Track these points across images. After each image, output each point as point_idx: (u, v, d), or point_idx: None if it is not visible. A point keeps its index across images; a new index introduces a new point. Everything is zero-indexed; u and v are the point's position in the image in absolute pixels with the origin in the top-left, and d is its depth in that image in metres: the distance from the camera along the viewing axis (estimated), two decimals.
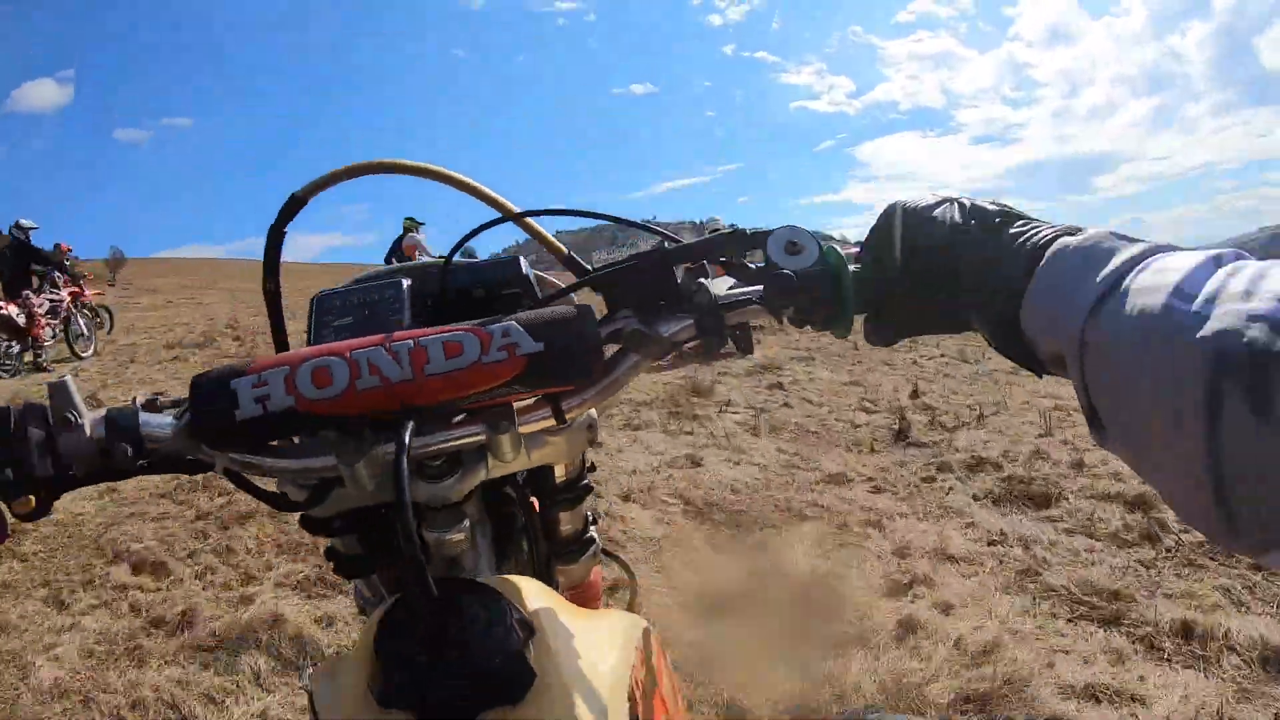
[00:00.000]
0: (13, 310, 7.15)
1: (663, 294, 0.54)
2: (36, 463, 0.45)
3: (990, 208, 0.47)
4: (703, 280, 0.54)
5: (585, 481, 0.71)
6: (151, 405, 0.52)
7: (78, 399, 0.47)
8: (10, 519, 0.46)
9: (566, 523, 0.73)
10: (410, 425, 0.46)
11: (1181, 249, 0.36)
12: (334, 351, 0.48)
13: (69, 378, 0.48)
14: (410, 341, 0.48)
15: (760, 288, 0.52)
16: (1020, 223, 0.45)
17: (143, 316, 11.53)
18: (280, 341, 0.63)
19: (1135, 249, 0.38)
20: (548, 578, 0.73)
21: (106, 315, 9.81)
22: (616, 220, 0.68)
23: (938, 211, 0.48)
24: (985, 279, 0.44)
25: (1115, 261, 0.37)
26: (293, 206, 0.59)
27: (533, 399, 0.52)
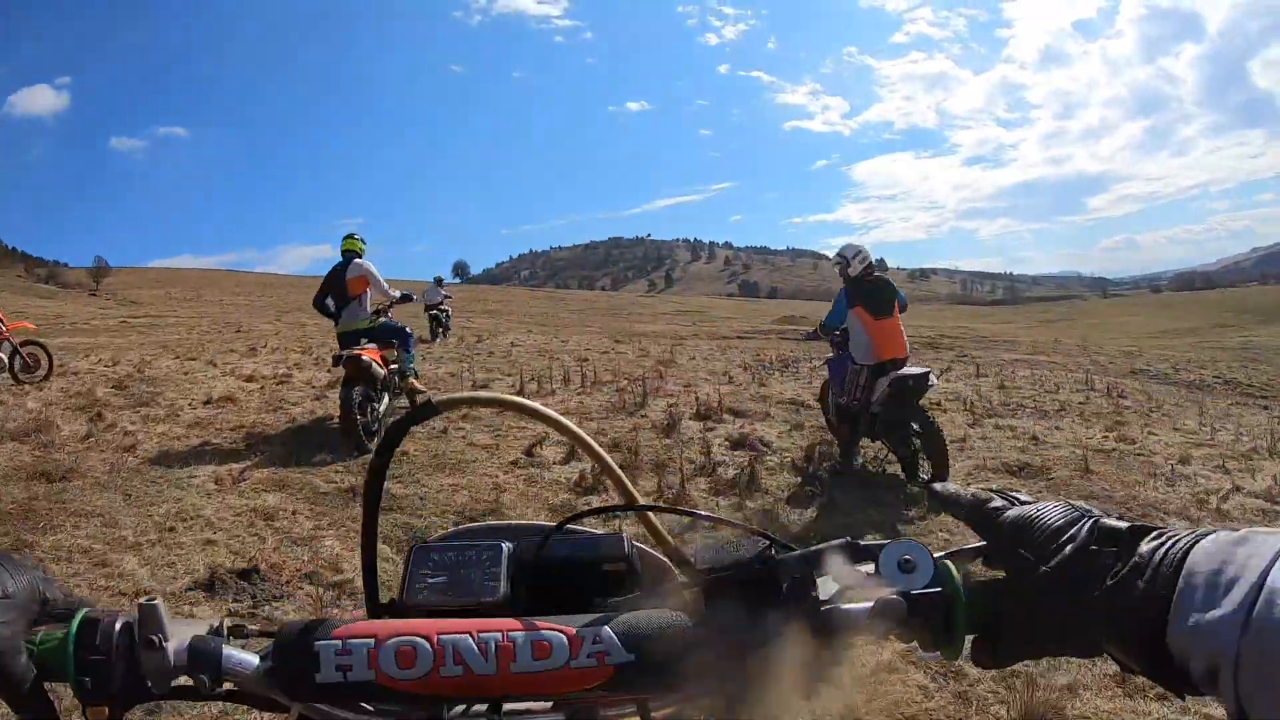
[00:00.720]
0: None
1: (765, 597, 0.51)
2: (115, 676, 0.46)
3: (1120, 524, 0.45)
4: (812, 591, 0.51)
5: None
6: (238, 630, 0.53)
7: (166, 621, 0.47)
8: None
9: None
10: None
11: None
12: (422, 633, 0.48)
13: (160, 601, 0.48)
14: (499, 634, 0.48)
15: (868, 606, 0.49)
16: (1154, 536, 0.43)
17: (99, 344, 11.07)
18: (371, 591, 0.63)
19: (1273, 543, 0.37)
20: None
21: (42, 354, 8.29)
22: (730, 524, 0.64)
23: (1068, 534, 0.45)
24: (1122, 601, 0.42)
25: (1258, 560, 0.36)
26: (426, 412, 0.60)
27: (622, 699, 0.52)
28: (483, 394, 0.64)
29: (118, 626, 0.47)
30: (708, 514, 0.67)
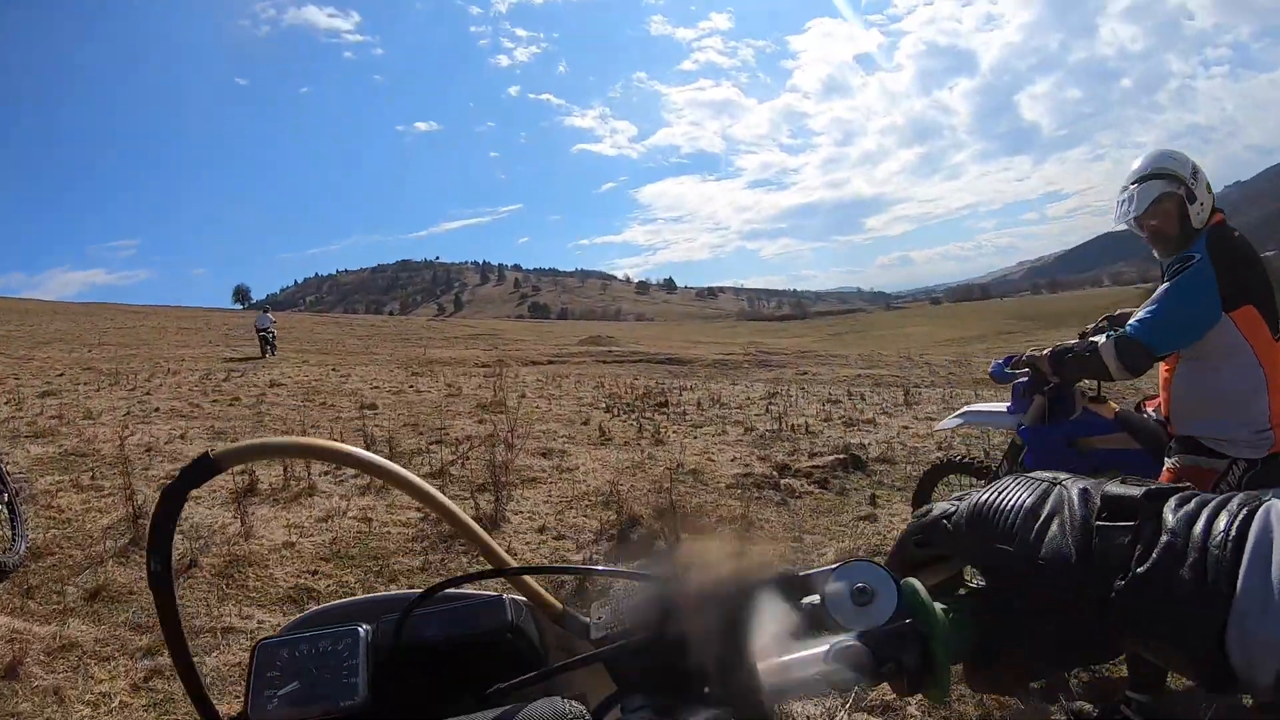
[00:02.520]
0: None
1: (688, 667, 0.40)
2: None
3: (1127, 491, 0.37)
4: (743, 644, 0.40)
5: None
6: None
7: None
8: None
9: None
10: None
11: None
12: None
13: None
14: None
15: (819, 653, 0.39)
16: (1179, 500, 0.35)
17: None
18: (206, 713, 0.47)
19: None
20: None
21: None
22: (628, 575, 0.49)
23: (1046, 509, 0.37)
24: (1155, 593, 0.33)
25: None
26: (205, 472, 0.45)
27: None
28: (273, 440, 0.46)
29: None
30: (597, 567, 0.53)
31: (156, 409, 8.71)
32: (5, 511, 3.67)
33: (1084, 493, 0.37)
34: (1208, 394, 2.15)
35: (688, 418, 8.25)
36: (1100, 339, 2.26)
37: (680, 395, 10.32)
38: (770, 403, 9.42)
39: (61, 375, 11.84)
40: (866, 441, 6.42)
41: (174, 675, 2.43)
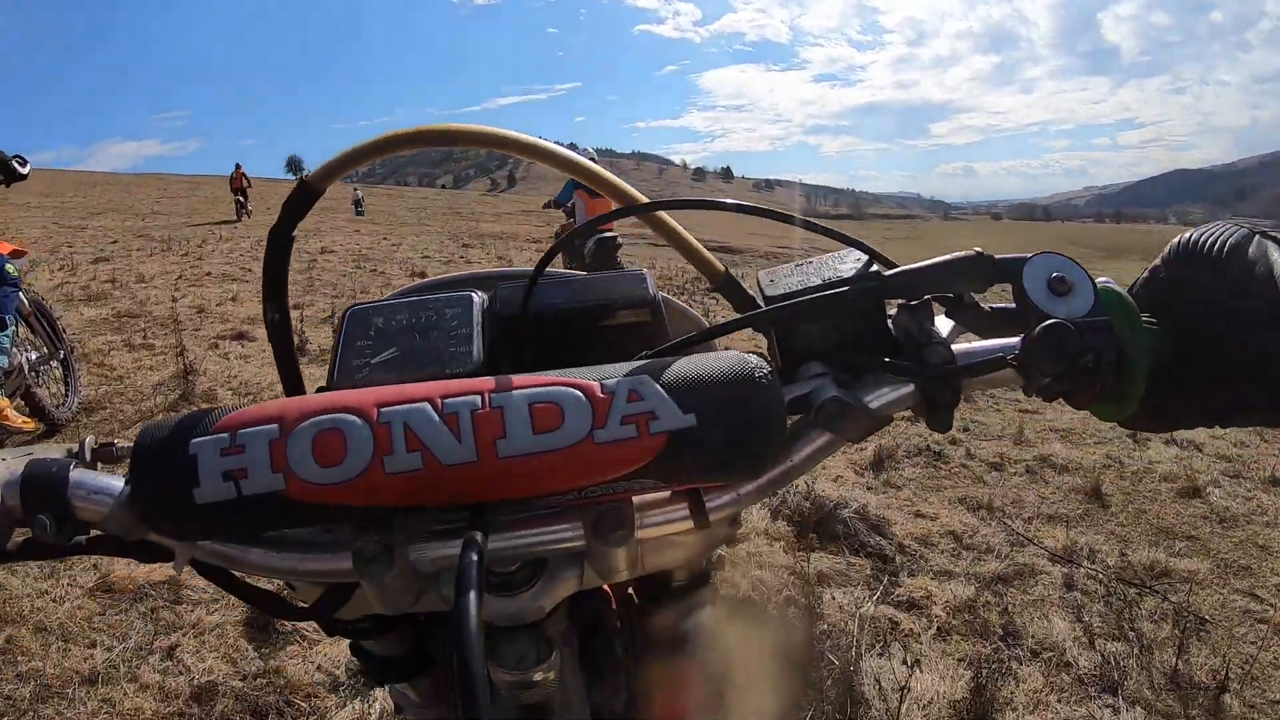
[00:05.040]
0: None
1: (869, 340, 0.39)
2: None
3: None
4: (930, 326, 0.39)
5: (711, 581, 0.51)
6: (106, 452, 0.39)
7: None
8: None
9: (680, 621, 0.51)
10: (479, 542, 0.31)
11: None
12: (352, 408, 0.32)
13: None
14: (476, 397, 0.32)
15: (1016, 341, 0.37)
16: None
17: None
18: (292, 380, 0.46)
19: None
20: (635, 689, 0.52)
21: None
22: (772, 215, 0.48)
23: (1253, 252, 0.36)
24: None
25: None
26: (305, 199, 0.42)
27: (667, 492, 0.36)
28: (363, 144, 0.41)
29: None
30: (767, 209, 0.47)
31: (209, 273, 8.71)
32: (60, 369, 3.71)
33: None
34: None
35: None
36: None
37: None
38: None
39: (115, 243, 11.96)
40: None
41: None
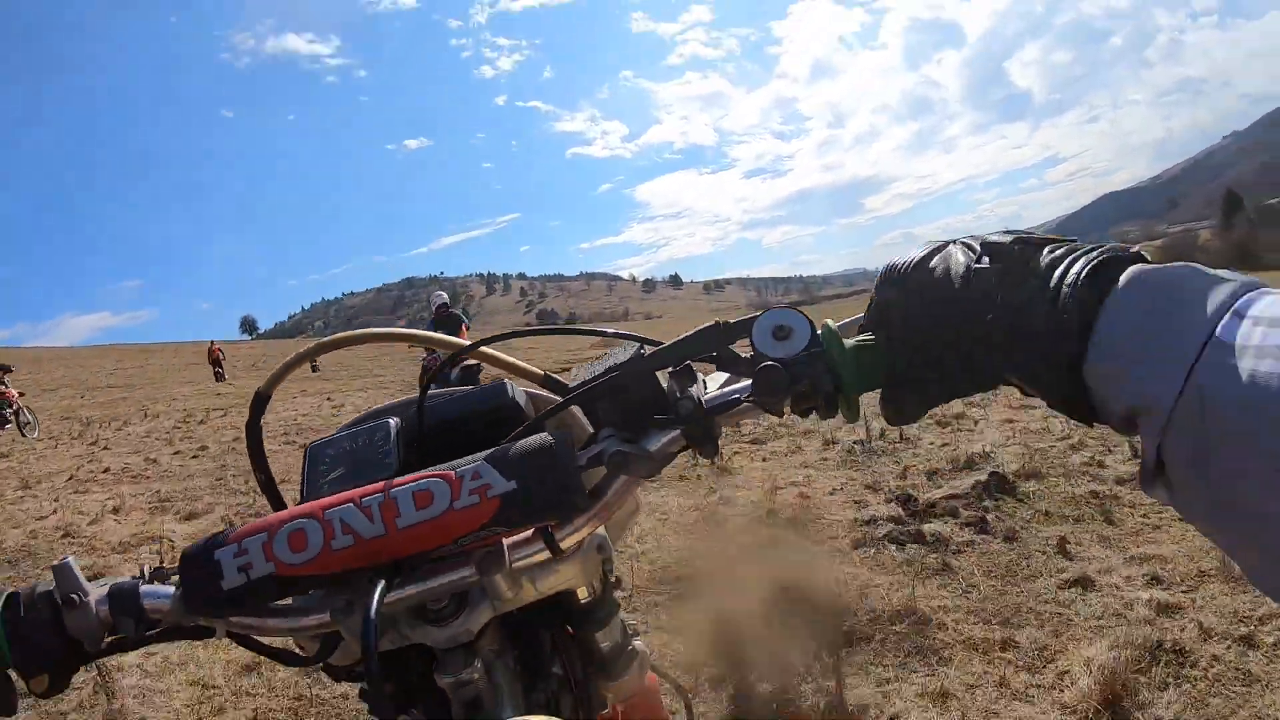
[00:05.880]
0: None
1: (648, 404, 0.51)
2: (45, 643, 0.47)
3: (1002, 239, 0.41)
4: (689, 384, 0.51)
5: (611, 599, 0.65)
6: (160, 574, 0.53)
7: (80, 577, 0.49)
8: (27, 694, 0.48)
9: (604, 640, 0.65)
10: (380, 586, 0.46)
11: (1272, 290, 0.33)
12: (308, 513, 0.48)
13: (71, 559, 0.49)
14: (380, 495, 0.47)
15: (749, 383, 0.47)
16: (1051, 249, 0.39)
17: None
18: (274, 501, 0.62)
19: (1225, 289, 0.33)
20: (588, 700, 0.64)
21: None
22: (581, 332, 0.66)
23: (935, 261, 0.43)
24: (1027, 325, 0.38)
25: (1210, 305, 0.32)
26: (260, 403, 0.62)
27: (529, 531, 0.50)
28: (301, 352, 0.63)
29: (37, 593, 0.49)
30: (554, 327, 0.67)
31: (107, 469, 7.29)
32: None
33: (966, 245, 0.42)
34: None
35: (742, 428, 6.68)
36: None
37: None
38: None
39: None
40: (987, 449, 4.82)
41: None
